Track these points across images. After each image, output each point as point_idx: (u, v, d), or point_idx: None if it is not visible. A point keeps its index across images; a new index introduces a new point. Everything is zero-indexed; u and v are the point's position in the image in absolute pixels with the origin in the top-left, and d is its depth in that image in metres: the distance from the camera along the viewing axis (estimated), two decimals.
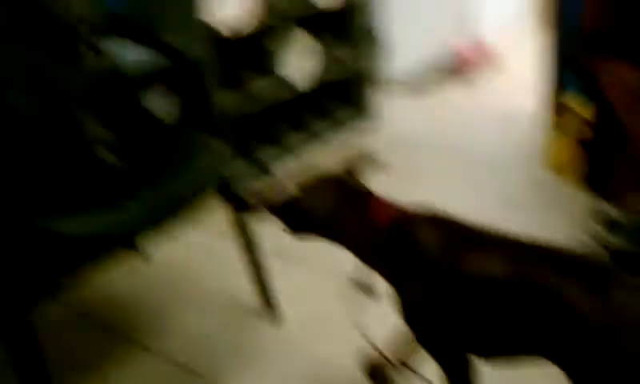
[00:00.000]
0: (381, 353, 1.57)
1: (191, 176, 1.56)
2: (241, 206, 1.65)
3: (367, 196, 1.30)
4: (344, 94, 3.09)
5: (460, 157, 2.84)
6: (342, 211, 1.28)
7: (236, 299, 1.96)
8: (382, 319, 1.50)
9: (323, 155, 2.84)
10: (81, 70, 1.52)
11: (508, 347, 1.19)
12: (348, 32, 2.98)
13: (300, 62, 2.67)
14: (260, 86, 2.53)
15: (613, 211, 1.98)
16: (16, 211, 1.34)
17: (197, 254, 2.22)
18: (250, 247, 1.77)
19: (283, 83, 2.61)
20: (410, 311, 1.26)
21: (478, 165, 2.75)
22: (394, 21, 3.22)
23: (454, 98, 3.49)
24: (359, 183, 1.33)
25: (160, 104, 1.88)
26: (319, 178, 1.31)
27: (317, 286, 2.01)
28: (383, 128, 3.13)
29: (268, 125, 2.74)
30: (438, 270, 1.20)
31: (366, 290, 1.36)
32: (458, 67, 3.68)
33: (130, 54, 1.75)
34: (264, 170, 2.45)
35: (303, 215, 1.30)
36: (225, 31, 2.24)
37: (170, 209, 1.47)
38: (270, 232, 1.46)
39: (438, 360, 1.29)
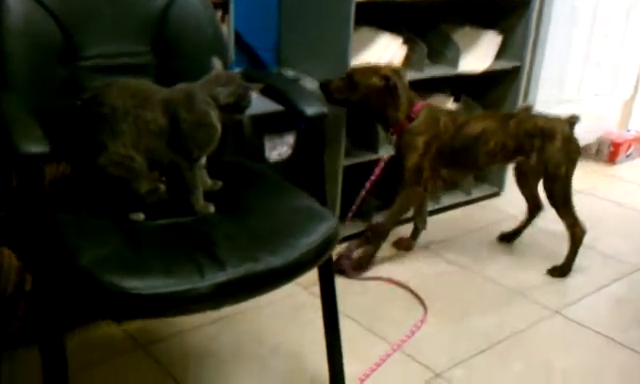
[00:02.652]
0: None
1: (296, 252, 1.37)
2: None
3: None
4: None
5: None
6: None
7: (304, 369, 1.87)
8: None
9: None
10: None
11: None
12: (492, 98, 2.98)
13: None
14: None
15: None
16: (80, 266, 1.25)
17: (272, 310, 2.12)
18: (331, 316, 1.68)
19: None
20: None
21: None
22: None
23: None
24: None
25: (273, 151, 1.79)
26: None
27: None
28: None
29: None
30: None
31: None
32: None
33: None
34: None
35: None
36: None
37: (258, 284, 1.34)
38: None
39: None
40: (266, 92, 1.64)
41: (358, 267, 2.35)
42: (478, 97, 2.90)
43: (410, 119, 2.27)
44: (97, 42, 1.59)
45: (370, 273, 2.37)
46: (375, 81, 2.19)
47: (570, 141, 2.33)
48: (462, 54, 2.67)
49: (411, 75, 2.51)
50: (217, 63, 1.53)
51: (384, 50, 2.43)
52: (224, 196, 1.57)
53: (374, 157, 2.53)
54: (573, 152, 2.33)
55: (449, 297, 2.26)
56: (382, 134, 2.50)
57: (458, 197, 2.98)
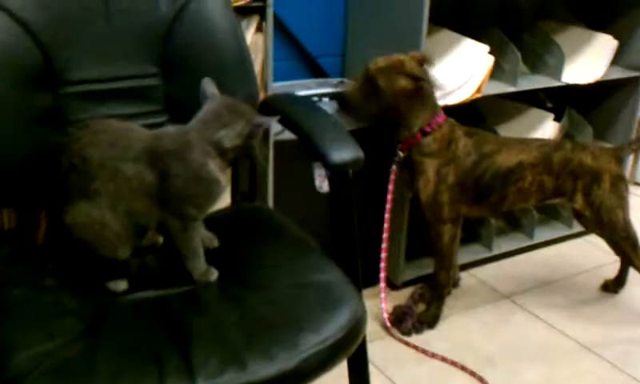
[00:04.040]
0: None
1: (298, 355, 1.03)
2: None
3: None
4: None
5: None
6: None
7: None
8: None
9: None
10: None
11: None
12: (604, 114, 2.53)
13: None
14: None
15: None
16: None
17: None
18: None
19: None
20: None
21: None
22: None
23: None
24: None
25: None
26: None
27: None
28: None
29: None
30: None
31: None
32: None
33: None
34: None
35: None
36: None
37: None
38: None
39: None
40: (285, 124, 1.31)
41: (420, 328, 1.96)
42: (584, 112, 2.41)
43: (424, 133, 1.78)
44: (86, 63, 1.30)
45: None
46: (404, 84, 1.72)
47: (621, 179, 1.87)
48: (566, 60, 2.20)
49: (500, 88, 2.08)
50: (209, 88, 1.20)
51: (466, 58, 2.01)
52: (231, 256, 1.26)
53: None
54: (624, 190, 1.88)
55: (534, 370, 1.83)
56: None
57: (555, 230, 2.50)
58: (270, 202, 1.82)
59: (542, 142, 1.91)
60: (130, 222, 1.16)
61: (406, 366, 1.80)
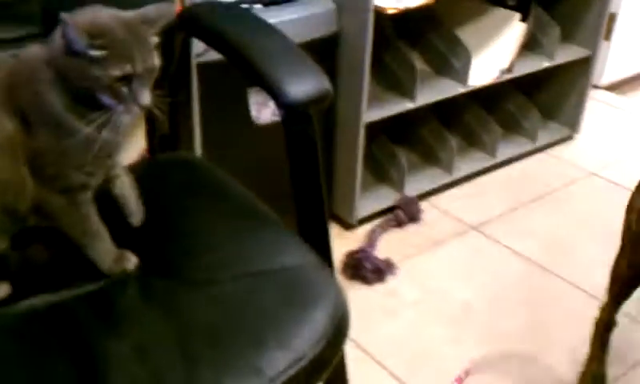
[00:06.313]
0: None
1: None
2: None
3: None
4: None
5: None
6: None
7: None
8: None
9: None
10: None
11: None
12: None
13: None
14: None
15: None
16: None
17: None
18: None
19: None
20: None
21: None
22: None
23: None
24: None
25: None
26: None
27: None
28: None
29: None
30: None
31: None
32: None
33: None
34: None
35: None
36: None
37: None
38: None
39: None
40: (214, 45, 0.96)
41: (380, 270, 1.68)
42: (550, 10, 2.13)
43: None
44: None
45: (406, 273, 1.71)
46: None
47: None
48: None
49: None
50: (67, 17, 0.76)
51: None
52: (152, 233, 0.91)
53: (408, 106, 1.80)
54: None
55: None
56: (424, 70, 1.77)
57: (520, 145, 2.24)
58: (198, 147, 1.44)
59: None
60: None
61: (370, 324, 1.53)
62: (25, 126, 0.77)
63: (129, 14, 0.77)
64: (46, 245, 0.89)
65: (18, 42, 0.95)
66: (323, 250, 0.90)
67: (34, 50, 0.81)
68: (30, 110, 0.77)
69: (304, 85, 0.85)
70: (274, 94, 0.85)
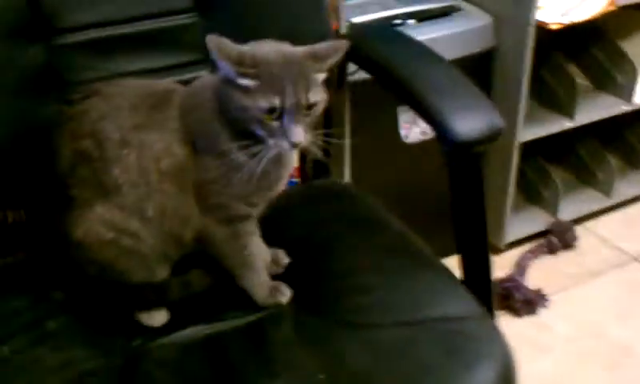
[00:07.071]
0: None
1: None
2: None
3: None
4: None
5: None
6: None
7: None
8: None
9: None
10: None
11: None
12: None
13: None
14: None
15: None
16: None
17: None
18: None
19: None
20: None
21: None
22: None
23: None
24: None
25: None
26: None
27: None
28: None
29: None
30: None
31: None
32: None
33: None
34: None
35: None
36: None
37: None
38: None
39: None
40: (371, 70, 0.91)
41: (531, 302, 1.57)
42: None
43: None
44: (86, 1, 0.91)
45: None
46: None
47: None
48: None
49: None
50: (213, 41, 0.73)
51: None
52: (306, 267, 0.89)
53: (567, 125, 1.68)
54: None
55: None
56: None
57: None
58: (347, 169, 1.40)
59: None
60: (163, 230, 0.80)
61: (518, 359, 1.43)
62: (194, 153, 0.77)
63: (296, 49, 0.75)
64: (206, 270, 0.89)
65: (181, 67, 0.96)
66: (485, 297, 0.84)
67: (206, 78, 0.81)
68: (198, 137, 0.78)
69: (473, 122, 0.78)
70: (440, 129, 0.79)
